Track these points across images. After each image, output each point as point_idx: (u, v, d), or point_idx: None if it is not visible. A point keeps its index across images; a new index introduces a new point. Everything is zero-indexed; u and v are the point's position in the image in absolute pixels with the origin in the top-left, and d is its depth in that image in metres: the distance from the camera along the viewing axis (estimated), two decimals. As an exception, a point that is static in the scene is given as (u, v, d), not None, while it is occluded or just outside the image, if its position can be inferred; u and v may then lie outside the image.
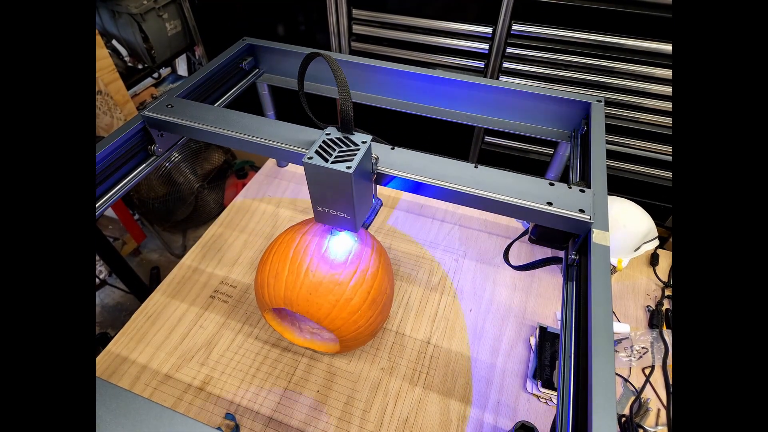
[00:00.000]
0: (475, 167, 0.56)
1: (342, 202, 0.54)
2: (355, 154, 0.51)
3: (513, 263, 0.70)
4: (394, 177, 0.56)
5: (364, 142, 0.53)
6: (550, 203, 0.51)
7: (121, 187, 0.65)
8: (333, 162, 0.51)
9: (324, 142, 0.54)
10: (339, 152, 0.52)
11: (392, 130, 1.63)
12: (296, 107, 0.61)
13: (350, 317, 0.66)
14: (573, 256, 0.53)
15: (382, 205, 0.89)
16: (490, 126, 0.76)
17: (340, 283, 0.65)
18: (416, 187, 0.56)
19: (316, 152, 0.52)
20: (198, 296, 0.88)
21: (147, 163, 0.69)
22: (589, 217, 0.50)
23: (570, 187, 0.54)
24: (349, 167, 0.50)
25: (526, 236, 0.62)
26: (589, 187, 0.55)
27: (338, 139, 0.54)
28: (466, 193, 0.53)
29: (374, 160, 0.56)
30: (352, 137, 0.54)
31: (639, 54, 1.17)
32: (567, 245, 0.57)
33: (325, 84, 0.84)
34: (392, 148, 0.59)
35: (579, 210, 0.51)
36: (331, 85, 0.84)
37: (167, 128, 0.66)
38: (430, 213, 1.05)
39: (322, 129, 0.58)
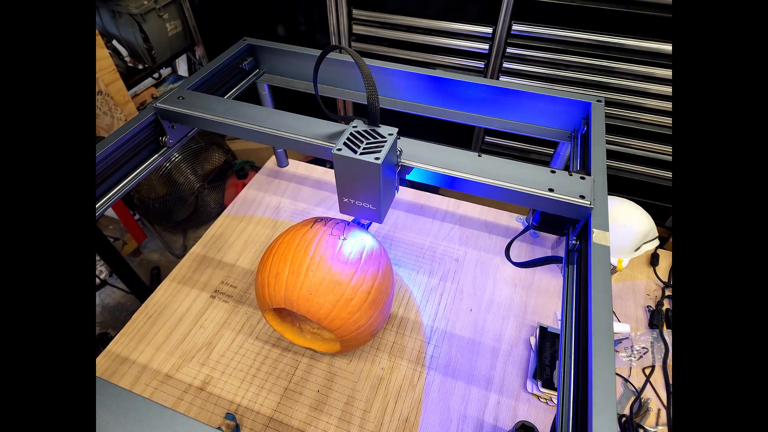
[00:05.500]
0: (479, 156, 0.57)
1: (369, 193, 0.56)
2: (382, 146, 0.53)
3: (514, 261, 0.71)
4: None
5: (390, 135, 0.55)
6: (551, 189, 0.53)
7: (135, 176, 0.66)
8: (362, 153, 0.52)
9: (351, 134, 0.55)
10: (367, 144, 0.54)
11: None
12: (296, 107, 0.61)
13: (350, 317, 0.66)
14: (573, 242, 0.55)
15: (382, 205, 0.89)
16: (491, 126, 0.76)
17: (340, 283, 0.65)
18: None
19: (345, 144, 0.54)
20: (198, 296, 0.88)
21: (158, 153, 0.70)
22: (589, 203, 0.51)
23: (571, 175, 0.55)
24: (377, 158, 0.51)
25: (526, 234, 0.63)
26: (589, 174, 0.56)
27: (365, 131, 0.56)
28: (471, 181, 0.55)
29: (399, 152, 0.57)
30: (378, 129, 0.56)
31: (639, 54, 1.17)
32: (568, 231, 0.58)
33: (327, 84, 0.84)
34: (398, 138, 0.60)
35: (579, 196, 0.52)
36: (332, 85, 0.84)
37: (179, 119, 0.68)
38: (430, 213, 1.05)
39: (336, 122, 0.59)
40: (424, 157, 0.57)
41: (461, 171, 0.55)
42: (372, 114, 0.56)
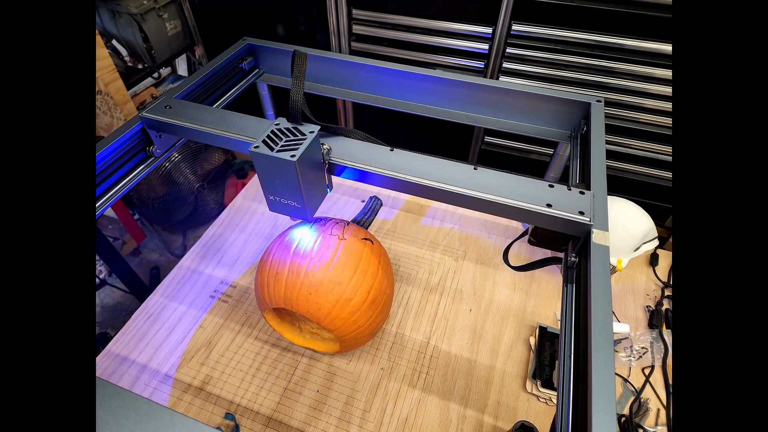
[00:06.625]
0: (475, 169, 0.56)
1: (290, 190, 0.55)
2: (301, 143, 0.52)
3: (512, 263, 0.70)
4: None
5: (311, 132, 0.54)
6: (549, 205, 0.51)
7: (120, 187, 0.64)
8: (278, 151, 0.52)
9: (272, 131, 0.55)
10: (285, 141, 0.53)
11: (392, 130, 1.63)
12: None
13: (350, 317, 0.66)
14: (573, 258, 0.53)
15: (382, 205, 0.89)
16: (490, 126, 0.76)
17: (340, 282, 0.65)
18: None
19: (263, 141, 0.53)
20: (198, 296, 0.88)
21: (146, 164, 0.69)
22: (588, 219, 0.50)
23: (569, 189, 0.53)
24: (293, 156, 0.51)
25: (526, 236, 0.62)
26: (588, 189, 0.55)
27: (286, 129, 0.55)
28: (466, 195, 0.53)
29: (325, 150, 0.57)
30: (301, 127, 0.55)
31: (639, 54, 1.17)
32: (566, 247, 0.57)
33: (327, 84, 0.84)
34: (391, 150, 0.59)
35: (579, 212, 0.51)
36: (332, 85, 0.84)
37: (166, 129, 0.66)
38: (430, 213, 1.05)
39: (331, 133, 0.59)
40: (416, 169, 0.56)
41: (456, 185, 0.53)
42: (293, 112, 0.56)
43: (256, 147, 0.52)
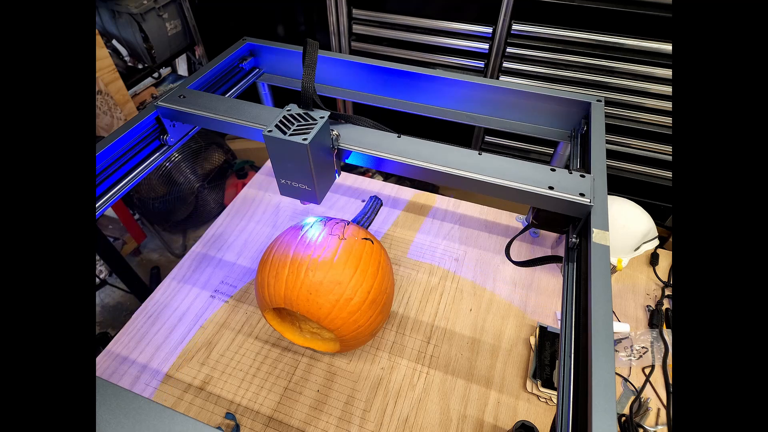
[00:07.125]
0: (479, 154, 0.58)
1: (302, 173, 0.57)
2: (312, 128, 0.55)
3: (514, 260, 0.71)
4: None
5: (321, 117, 0.56)
6: (551, 187, 0.53)
7: (135, 175, 0.66)
8: (291, 135, 0.54)
9: (284, 117, 0.57)
10: (297, 126, 0.55)
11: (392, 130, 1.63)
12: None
13: (350, 317, 0.66)
14: (573, 239, 0.55)
15: (382, 204, 0.89)
16: (490, 126, 0.76)
17: (340, 282, 0.65)
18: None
19: (276, 126, 0.55)
20: (198, 296, 0.88)
21: (160, 152, 0.70)
22: (589, 200, 0.51)
23: (571, 173, 0.55)
24: (305, 139, 0.53)
25: (526, 234, 0.63)
26: (589, 172, 0.56)
27: (298, 114, 0.57)
28: (470, 179, 0.55)
29: (334, 136, 0.59)
30: (311, 113, 0.57)
31: (639, 54, 1.18)
32: (567, 229, 0.58)
33: (326, 84, 0.84)
34: (398, 136, 0.61)
35: (579, 194, 0.52)
36: (332, 85, 0.84)
37: (180, 118, 0.68)
38: (430, 213, 1.05)
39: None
40: (424, 154, 0.58)
41: (461, 169, 0.55)
42: (305, 98, 0.58)
43: (270, 131, 0.55)
